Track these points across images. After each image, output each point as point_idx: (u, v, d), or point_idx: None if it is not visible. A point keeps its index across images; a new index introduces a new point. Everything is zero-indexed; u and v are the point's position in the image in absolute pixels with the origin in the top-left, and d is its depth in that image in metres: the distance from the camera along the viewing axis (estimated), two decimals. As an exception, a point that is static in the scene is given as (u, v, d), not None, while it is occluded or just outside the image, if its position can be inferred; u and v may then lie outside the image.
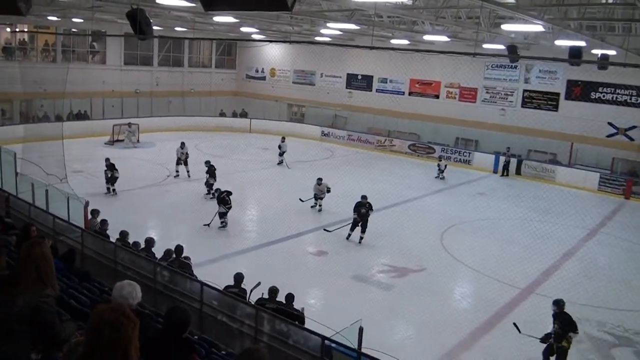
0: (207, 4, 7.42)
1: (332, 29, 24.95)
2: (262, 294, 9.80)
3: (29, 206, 14.24)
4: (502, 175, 29.61)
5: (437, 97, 34.42)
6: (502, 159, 29.94)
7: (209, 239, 16.81)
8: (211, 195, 20.39)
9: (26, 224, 8.86)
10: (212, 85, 42.03)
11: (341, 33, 27.64)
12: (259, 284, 10.17)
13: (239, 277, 10.16)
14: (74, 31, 35.15)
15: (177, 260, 11.42)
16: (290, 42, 31.26)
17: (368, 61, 33.79)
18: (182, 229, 17.65)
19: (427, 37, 23.81)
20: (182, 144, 24.37)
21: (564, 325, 9.82)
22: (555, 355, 9.94)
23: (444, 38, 23.20)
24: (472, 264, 15.81)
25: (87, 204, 15.01)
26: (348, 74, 38.26)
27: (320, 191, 20.23)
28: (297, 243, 17.12)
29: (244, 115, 40.53)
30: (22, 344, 3.53)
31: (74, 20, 29.59)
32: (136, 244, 12.31)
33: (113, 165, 20.86)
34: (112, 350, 2.47)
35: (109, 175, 20.73)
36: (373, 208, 17.24)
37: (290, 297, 9.70)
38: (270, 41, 30.43)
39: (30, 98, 32.18)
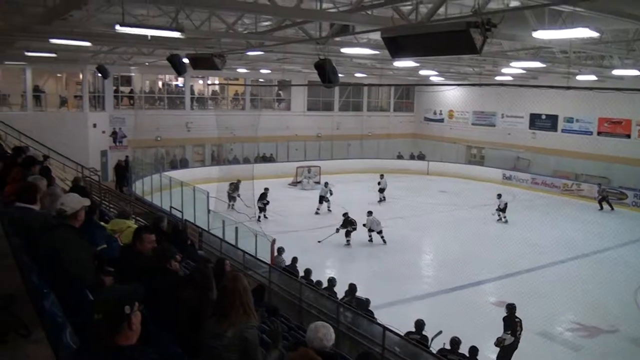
0: (394, 51, 7.62)
1: (514, 68, 24.22)
2: (444, 343, 9.55)
3: (221, 241, 15.27)
4: (600, 209, 28.14)
5: (629, 136, 31.78)
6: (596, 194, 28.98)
7: (387, 282, 16.75)
8: (259, 218, 23.09)
9: (220, 259, 9.45)
10: (390, 128, 42.62)
11: (524, 72, 26.74)
12: (440, 332, 9.94)
13: (420, 324, 10.00)
14: (261, 81, 37.89)
15: (353, 298, 11.53)
16: (472, 84, 30.85)
17: (552, 100, 32.25)
18: (360, 269, 17.81)
19: (616, 72, 22.21)
20: (326, 183, 26.62)
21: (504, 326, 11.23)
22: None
23: (635, 72, 21.48)
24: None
25: (274, 241, 15.75)
26: (531, 114, 36.47)
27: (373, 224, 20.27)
28: (477, 292, 16.48)
29: (421, 157, 40.55)
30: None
31: (262, 71, 31.99)
32: (319, 282, 12.62)
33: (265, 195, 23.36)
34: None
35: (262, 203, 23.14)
36: None
37: (474, 351, 9.36)
38: (457, 84, 30.11)
39: (220, 142, 34.97)
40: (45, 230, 4.79)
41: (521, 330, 11.29)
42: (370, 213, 20.56)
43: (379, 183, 28.71)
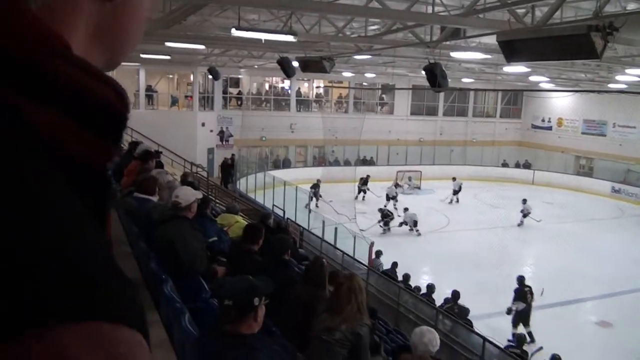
0: (510, 55, 7.45)
1: (629, 75, 22.93)
2: (544, 360, 9.26)
3: (321, 241, 15.49)
4: None
5: None
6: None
7: (485, 292, 16.18)
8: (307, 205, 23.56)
9: (317, 257, 9.55)
10: (495, 134, 41.41)
11: (638, 79, 25.26)
12: (540, 348, 9.67)
13: (521, 338, 9.74)
14: (365, 85, 38.04)
15: (455, 305, 11.35)
16: (585, 91, 29.54)
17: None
18: (457, 277, 17.27)
19: None
20: (396, 184, 29.26)
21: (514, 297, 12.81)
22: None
23: None
24: None
25: (372, 244, 15.79)
26: (644, 124, 34.33)
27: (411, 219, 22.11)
28: (579, 309, 15.82)
29: (527, 166, 39.09)
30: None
31: (366, 75, 32.07)
32: (417, 288, 12.54)
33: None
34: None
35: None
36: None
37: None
38: (570, 90, 28.91)
39: (322, 144, 35.45)
40: (161, 221, 5.05)
41: (532, 296, 12.88)
42: (406, 209, 22.47)
43: (454, 185, 29.12)
